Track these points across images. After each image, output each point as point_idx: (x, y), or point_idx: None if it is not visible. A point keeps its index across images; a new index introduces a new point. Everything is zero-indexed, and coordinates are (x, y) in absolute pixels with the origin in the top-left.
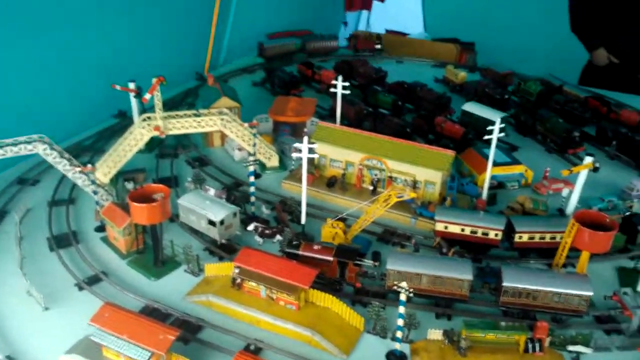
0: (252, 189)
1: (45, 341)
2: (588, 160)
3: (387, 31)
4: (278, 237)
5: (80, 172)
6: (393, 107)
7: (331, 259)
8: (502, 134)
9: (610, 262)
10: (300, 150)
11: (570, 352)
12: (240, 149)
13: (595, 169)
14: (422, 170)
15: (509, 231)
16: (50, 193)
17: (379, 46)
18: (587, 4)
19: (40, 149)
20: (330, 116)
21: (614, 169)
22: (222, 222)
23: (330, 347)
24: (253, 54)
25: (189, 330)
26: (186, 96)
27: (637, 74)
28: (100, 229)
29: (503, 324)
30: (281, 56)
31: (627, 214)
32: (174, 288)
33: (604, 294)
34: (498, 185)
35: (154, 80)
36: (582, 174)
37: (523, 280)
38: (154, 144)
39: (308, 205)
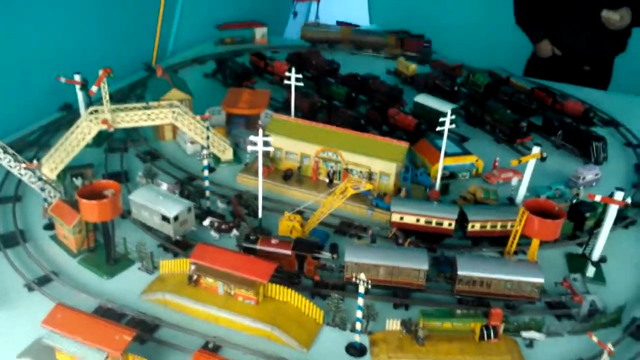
0: (206, 183)
1: None
2: (536, 150)
3: (338, 22)
4: (235, 232)
5: (26, 168)
6: (347, 99)
7: (289, 252)
8: (453, 126)
9: (560, 249)
10: (255, 144)
11: (524, 338)
12: (192, 142)
13: (542, 159)
14: (377, 162)
15: (462, 220)
16: None
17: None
18: None
19: None
20: (284, 108)
21: (561, 157)
22: (176, 218)
23: (290, 342)
24: (203, 44)
25: (145, 329)
26: (134, 88)
27: (581, 66)
28: (49, 226)
29: (459, 312)
30: (324, 42)
31: (574, 201)
32: (128, 287)
33: (555, 280)
34: (450, 175)
35: (101, 72)
36: (530, 164)
37: (477, 269)
38: (102, 138)
39: (264, 198)
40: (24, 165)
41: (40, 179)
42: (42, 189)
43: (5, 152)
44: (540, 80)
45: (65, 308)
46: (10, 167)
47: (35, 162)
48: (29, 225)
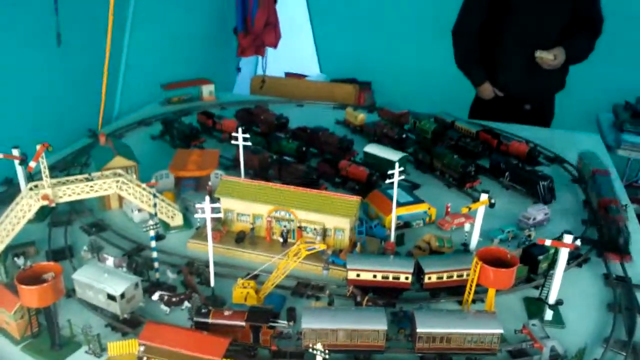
0: (154, 254)
1: None
2: (484, 197)
3: (287, 74)
4: (186, 303)
5: None
6: (297, 153)
7: (243, 324)
8: (402, 176)
9: (517, 293)
10: (203, 211)
11: None
12: (140, 210)
13: (491, 205)
14: (330, 218)
15: (419, 272)
16: None
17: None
18: (468, 41)
19: None
20: (234, 166)
21: (510, 199)
22: (122, 296)
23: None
24: (150, 104)
25: None
26: (79, 156)
27: (522, 106)
28: None
29: None
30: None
31: (526, 243)
32: None
33: (515, 327)
34: (404, 224)
35: (39, 147)
36: (480, 209)
37: (435, 325)
38: (44, 213)
39: (218, 264)
40: None
41: None
42: None
43: None
44: (485, 122)
45: None
46: None
47: None
48: None
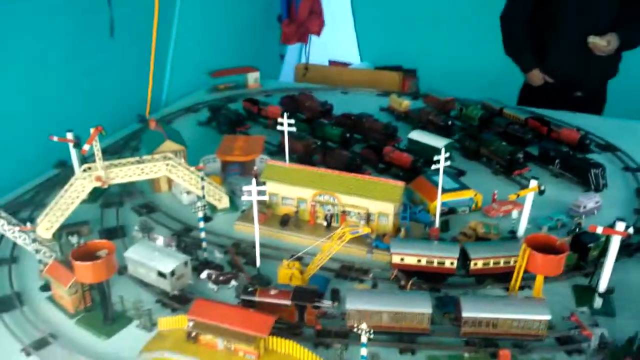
0: (202, 234)
1: None
2: (533, 183)
3: (330, 62)
4: (233, 282)
5: (20, 231)
6: (341, 140)
7: (289, 303)
8: (448, 162)
9: (566, 281)
10: (249, 193)
11: None
12: (188, 193)
13: (541, 192)
14: (374, 203)
15: (464, 258)
16: None
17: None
18: (517, 27)
19: None
20: (279, 152)
21: (560, 186)
22: (172, 273)
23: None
24: (197, 92)
25: None
26: (129, 140)
27: (573, 93)
28: (46, 287)
29: (466, 355)
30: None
31: (577, 231)
32: (126, 345)
33: (563, 314)
34: (449, 211)
35: (92, 130)
36: (529, 196)
37: (482, 310)
38: (97, 194)
39: (263, 245)
40: (17, 228)
41: (34, 240)
42: (37, 251)
43: None
44: (534, 109)
45: None
46: (5, 230)
47: (29, 224)
48: (26, 287)
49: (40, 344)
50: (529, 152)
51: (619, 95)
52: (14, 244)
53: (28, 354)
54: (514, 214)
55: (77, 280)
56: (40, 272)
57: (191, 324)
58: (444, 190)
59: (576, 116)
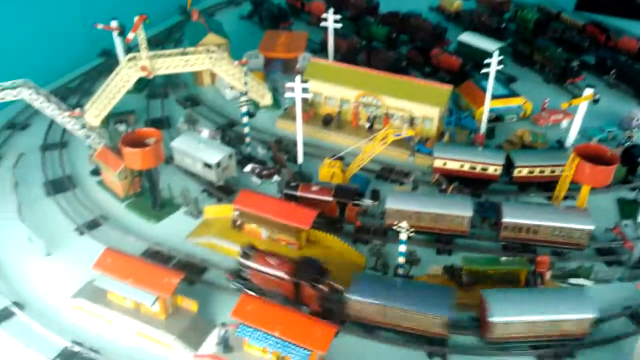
0: (246, 129)
1: (49, 286)
2: (588, 91)
3: None
4: (276, 177)
5: (69, 116)
6: (387, 40)
7: (330, 199)
8: (500, 66)
9: (611, 194)
10: (293, 90)
11: (571, 285)
12: (231, 88)
13: (595, 101)
14: (419, 106)
15: (509, 166)
16: (42, 137)
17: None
18: None
19: (26, 94)
20: (321, 50)
21: (614, 98)
22: (218, 165)
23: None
24: None
25: (193, 271)
26: (172, 32)
27: None
28: (96, 172)
29: (503, 259)
30: None
31: (627, 144)
32: (174, 230)
33: (605, 226)
34: (496, 118)
35: (136, 18)
36: (582, 106)
37: (523, 216)
38: (142, 84)
39: (304, 144)
40: (67, 113)
41: (83, 126)
42: (87, 136)
43: (48, 100)
44: (593, 14)
45: (114, 252)
46: (54, 115)
47: (78, 110)
48: (76, 171)
49: (92, 225)
50: (585, 61)
51: None
52: (63, 130)
53: (81, 233)
54: (564, 123)
55: (127, 166)
56: (89, 157)
57: (237, 212)
58: (493, 96)
59: (638, 24)
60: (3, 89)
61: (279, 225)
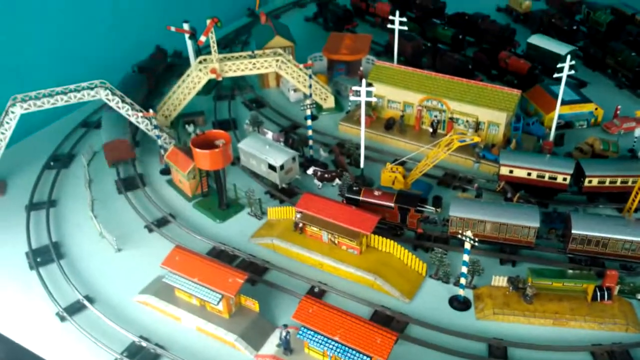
0: (309, 132)
1: (119, 282)
2: None
3: None
4: (337, 180)
5: (143, 116)
6: (453, 42)
7: (392, 205)
8: (572, 71)
9: None
10: (358, 93)
11: (639, 300)
12: (295, 90)
13: None
14: (485, 111)
15: (578, 175)
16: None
17: None
18: None
19: (103, 94)
20: (386, 52)
21: None
22: (282, 167)
23: (393, 291)
24: None
25: (255, 272)
26: (239, 34)
27: None
28: (165, 171)
29: (570, 271)
30: None
31: None
32: (238, 230)
33: None
34: (565, 124)
35: (209, 21)
36: None
37: (593, 228)
38: (210, 86)
39: (366, 148)
40: (140, 114)
41: (156, 126)
42: (158, 137)
43: (123, 101)
44: None
45: (182, 250)
46: (129, 115)
47: (150, 111)
48: (147, 170)
49: (161, 222)
50: None
51: None
52: (136, 129)
53: (150, 231)
54: (637, 131)
55: (197, 166)
56: (160, 157)
57: (299, 215)
58: (563, 102)
59: None
60: (81, 89)
61: (340, 229)
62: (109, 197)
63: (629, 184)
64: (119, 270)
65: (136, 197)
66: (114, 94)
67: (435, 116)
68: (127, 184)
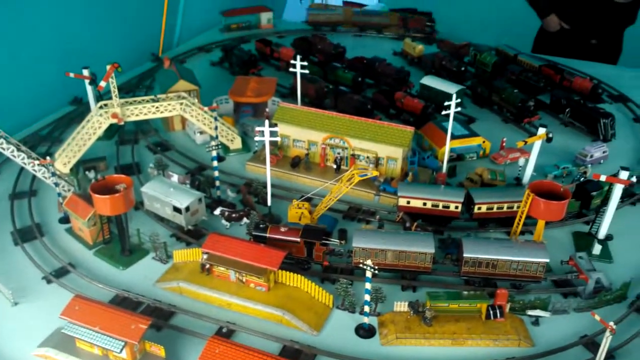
0: (216, 173)
1: (16, 336)
2: (542, 131)
3: (344, 3)
4: (245, 220)
5: (39, 164)
6: (353, 84)
7: (298, 240)
8: (459, 109)
9: (566, 228)
10: (262, 134)
11: (529, 316)
12: (201, 133)
13: (548, 139)
14: (383, 147)
15: (469, 203)
16: (11, 185)
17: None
18: None
19: None
20: (291, 94)
21: (569, 135)
22: (187, 209)
23: (301, 325)
24: (209, 31)
25: (161, 317)
26: (143, 79)
27: (589, 40)
28: (65, 220)
29: (465, 293)
30: (327, 24)
31: (581, 179)
32: (143, 276)
33: (561, 259)
34: (457, 157)
35: (109, 67)
36: (537, 144)
37: (483, 251)
38: (113, 131)
39: (273, 186)
40: (37, 161)
41: (54, 174)
42: (56, 184)
43: (19, 149)
44: (549, 56)
45: (82, 299)
46: (25, 164)
47: (48, 158)
48: (46, 219)
49: (60, 273)
50: (541, 100)
51: (635, 45)
52: (33, 177)
53: (49, 282)
54: (521, 161)
55: (97, 212)
56: (59, 205)
57: (205, 256)
58: (453, 137)
59: (590, 65)
60: None
61: (248, 267)
62: (4, 249)
63: (514, 208)
64: (17, 324)
65: (34, 247)
66: (8, 142)
67: (339, 153)
68: (24, 235)
